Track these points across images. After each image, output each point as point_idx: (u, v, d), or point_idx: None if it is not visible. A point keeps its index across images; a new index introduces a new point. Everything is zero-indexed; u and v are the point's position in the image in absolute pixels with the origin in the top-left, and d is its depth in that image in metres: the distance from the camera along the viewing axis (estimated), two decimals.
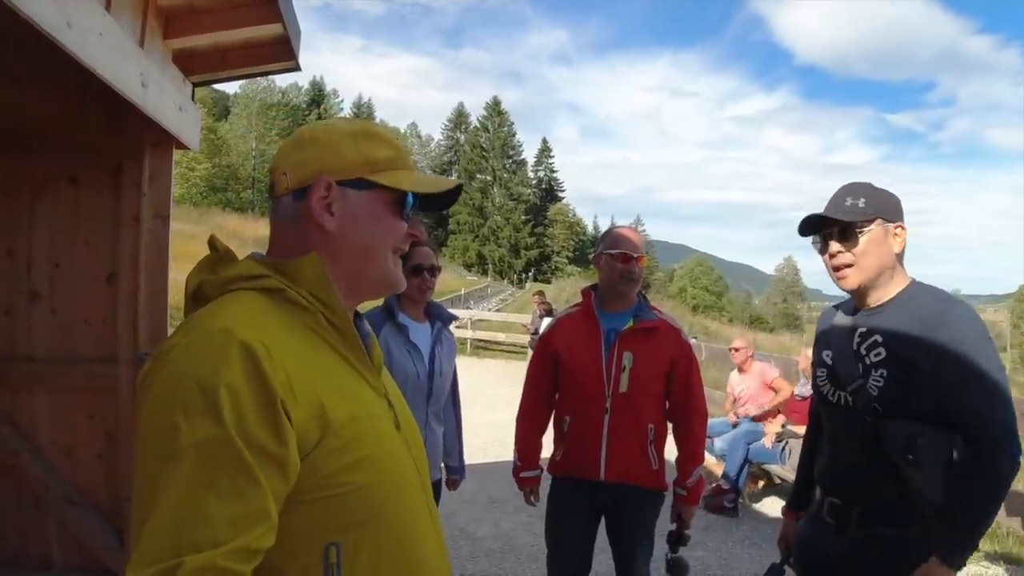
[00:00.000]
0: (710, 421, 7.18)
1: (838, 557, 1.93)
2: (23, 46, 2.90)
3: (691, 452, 2.85)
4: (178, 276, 3.29)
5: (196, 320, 0.97)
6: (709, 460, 6.65)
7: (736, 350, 6.74)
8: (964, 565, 1.74)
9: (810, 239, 1.97)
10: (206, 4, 3.14)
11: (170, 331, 3.30)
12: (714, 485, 6.10)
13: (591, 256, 3.05)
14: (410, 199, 1.12)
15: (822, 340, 2.10)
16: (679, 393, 2.82)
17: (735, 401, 6.81)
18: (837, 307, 2.12)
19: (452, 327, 3.19)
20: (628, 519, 2.80)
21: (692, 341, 10.66)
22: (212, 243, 1.10)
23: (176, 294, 3.20)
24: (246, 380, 0.89)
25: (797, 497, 2.34)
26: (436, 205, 1.19)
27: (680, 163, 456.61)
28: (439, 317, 3.11)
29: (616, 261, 2.76)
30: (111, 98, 2.64)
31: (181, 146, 3.45)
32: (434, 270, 3.02)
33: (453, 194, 1.18)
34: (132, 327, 3.24)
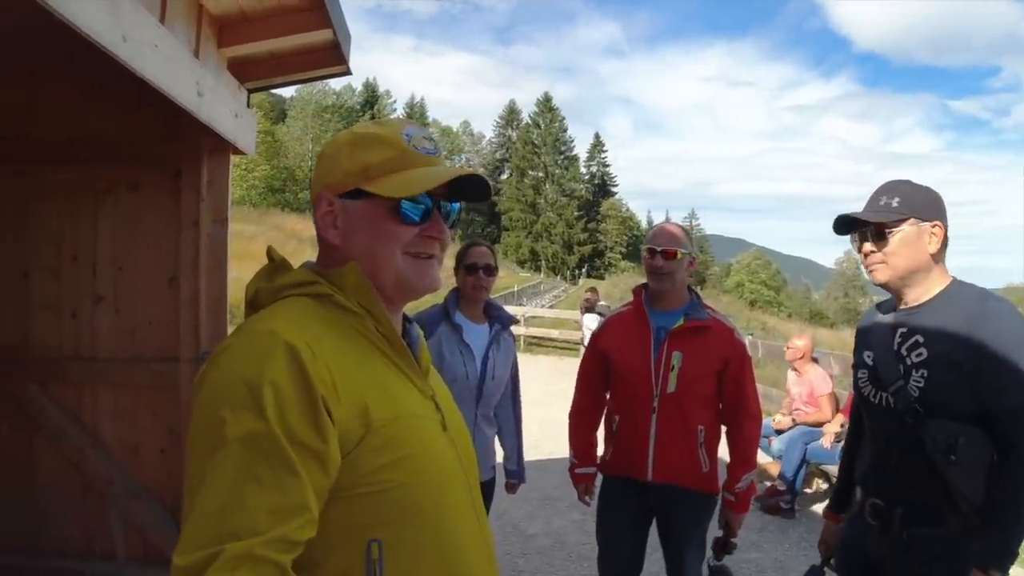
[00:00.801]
0: (766, 420, 7.11)
1: (880, 558, 1.93)
2: (83, 58, 3.03)
3: (742, 456, 2.78)
4: (239, 275, 3.38)
5: (247, 324, 1.03)
6: (765, 460, 6.52)
7: (788, 348, 6.57)
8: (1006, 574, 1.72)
9: (848, 237, 2.01)
10: (257, 13, 3.22)
11: (230, 329, 3.41)
12: (770, 485, 5.97)
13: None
14: (405, 204, 1.08)
15: (863, 340, 2.11)
16: (730, 394, 2.75)
17: (792, 401, 6.65)
18: (878, 306, 2.12)
19: None
20: (677, 521, 2.76)
21: (748, 338, 10.53)
22: (270, 254, 1.15)
23: (236, 293, 3.29)
24: (289, 378, 0.93)
25: (838, 498, 2.32)
26: (470, 196, 1.17)
27: (736, 155, 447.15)
28: (499, 319, 3.11)
29: (646, 256, 2.76)
30: (169, 107, 2.73)
31: (238, 151, 3.54)
32: (489, 269, 3.01)
33: (484, 185, 1.16)
34: (193, 327, 3.34)
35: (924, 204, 1.88)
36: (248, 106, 3.78)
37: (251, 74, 3.76)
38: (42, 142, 3.32)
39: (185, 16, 2.88)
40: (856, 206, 1.99)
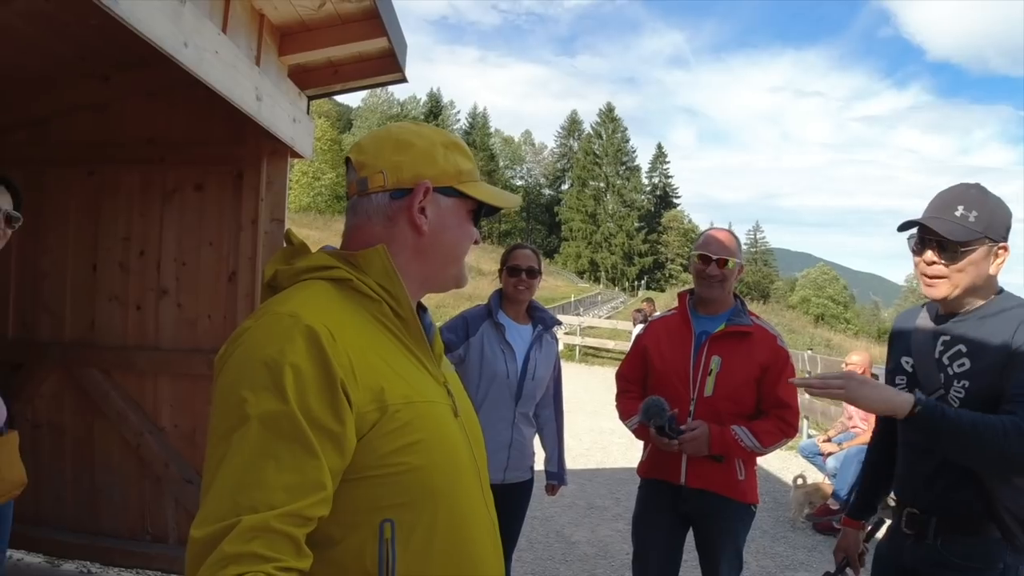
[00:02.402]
0: (816, 439, 6.94)
1: (916, 568, 1.88)
2: (154, 64, 3.22)
3: (769, 425, 2.63)
4: None
5: (267, 306, 1.06)
6: (820, 478, 6.37)
7: (847, 364, 6.39)
8: None
9: (906, 234, 1.89)
10: (316, 22, 3.34)
11: None
12: (823, 504, 5.82)
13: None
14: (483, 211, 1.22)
15: (900, 344, 2.03)
16: (769, 390, 2.66)
17: (851, 417, 6.49)
18: (917, 309, 2.07)
19: (561, 333, 3.23)
20: (711, 530, 2.73)
21: (808, 353, 10.25)
22: (288, 237, 1.19)
23: None
24: (309, 360, 0.95)
25: (858, 505, 2.26)
26: (486, 213, 1.27)
27: (804, 167, 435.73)
28: (542, 320, 3.16)
29: (697, 263, 2.74)
30: (232, 111, 2.87)
31: (296, 155, 3.68)
32: (532, 272, 3.08)
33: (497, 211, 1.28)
34: None
35: (999, 223, 1.78)
36: (308, 112, 3.92)
37: (311, 81, 3.90)
38: (114, 144, 3.54)
39: (247, 25, 3.03)
40: None
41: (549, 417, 3.31)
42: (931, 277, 1.82)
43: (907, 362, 1.97)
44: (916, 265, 1.87)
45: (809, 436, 8.60)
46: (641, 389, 2.87)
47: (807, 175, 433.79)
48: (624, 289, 69.61)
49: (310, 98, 4.05)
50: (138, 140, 3.50)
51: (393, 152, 1.16)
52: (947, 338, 1.86)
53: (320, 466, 0.93)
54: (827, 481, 6.17)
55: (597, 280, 72.82)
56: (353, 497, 0.99)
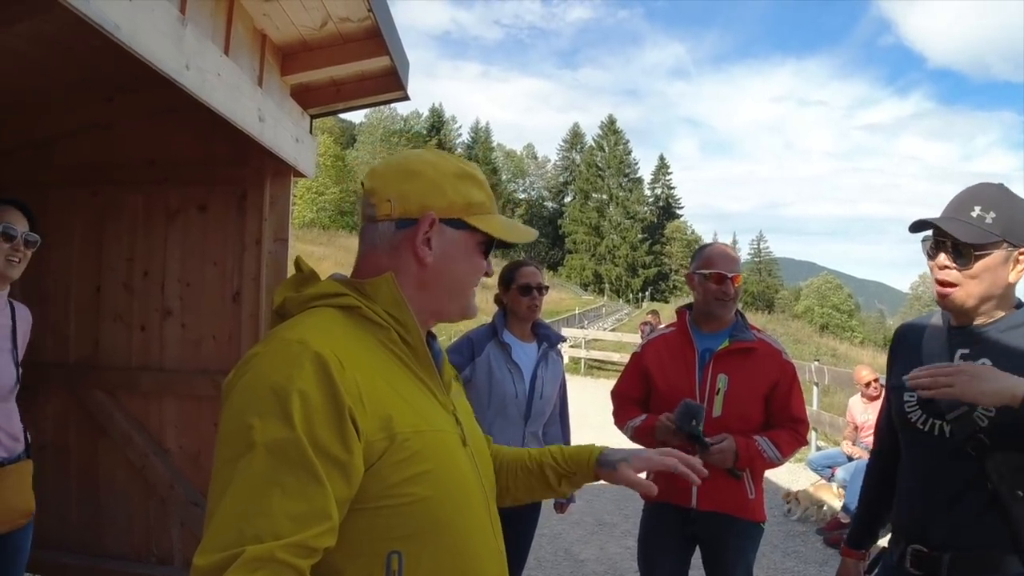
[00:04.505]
0: (831, 451, 6.91)
1: None
2: (157, 87, 3.22)
3: (785, 436, 2.61)
4: None
5: (276, 332, 1.05)
6: (829, 490, 6.32)
7: (868, 385, 6.36)
8: None
9: (920, 236, 1.74)
10: (318, 42, 3.36)
11: None
12: (833, 518, 5.77)
13: (686, 276, 2.94)
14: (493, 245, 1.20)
15: (907, 358, 1.83)
16: (782, 406, 2.64)
17: (857, 429, 6.44)
18: (923, 319, 1.92)
19: (566, 347, 3.20)
20: (722, 550, 2.68)
21: (815, 364, 10.19)
22: (298, 264, 1.18)
23: None
24: (317, 388, 0.95)
25: (858, 534, 2.07)
26: (499, 246, 1.25)
27: (807, 176, 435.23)
28: (546, 338, 3.13)
29: (710, 282, 2.65)
30: (236, 132, 2.87)
31: (299, 174, 3.68)
32: (541, 289, 3.07)
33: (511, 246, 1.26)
34: (254, 342, 3.45)
35: (1021, 225, 1.63)
36: (311, 131, 3.93)
37: (313, 100, 3.92)
38: (118, 165, 3.54)
39: (249, 46, 3.04)
40: None
41: (556, 435, 3.28)
42: (944, 284, 1.68)
43: None
44: (931, 270, 1.72)
45: (819, 448, 8.54)
46: (641, 409, 2.77)
47: (810, 184, 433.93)
48: (628, 301, 69.56)
49: (313, 116, 4.06)
50: (141, 161, 3.51)
51: (402, 181, 1.15)
52: (966, 351, 1.71)
53: (326, 495, 0.92)
54: (836, 492, 6.14)
55: (601, 292, 72.78)
56: (360, 528, 0.98)
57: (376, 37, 3.33)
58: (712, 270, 2.66)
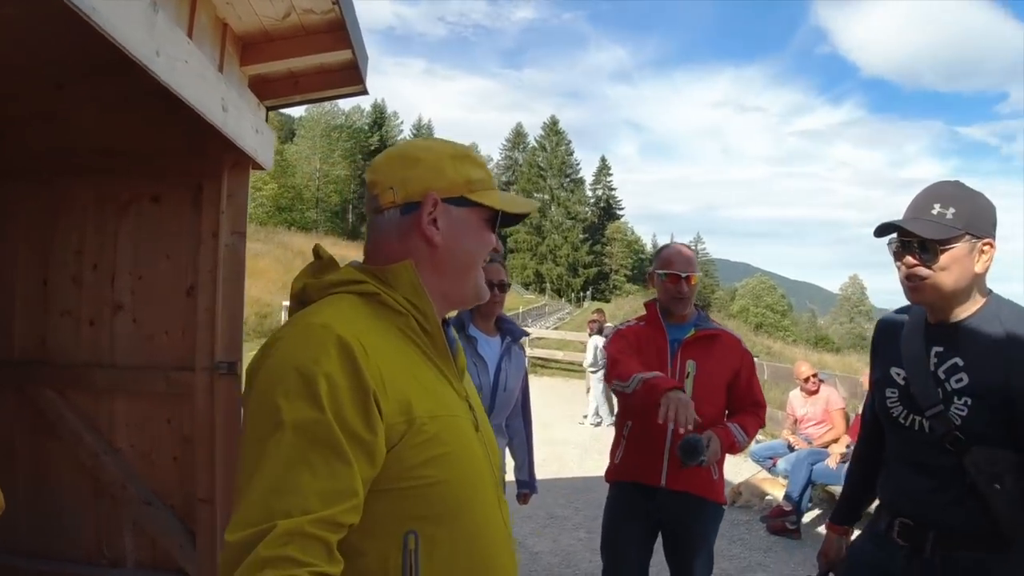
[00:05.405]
0: (772, 442, 7.16)
1: None
2: (112, 73, 3.12)
3: (748, 420, 2.80)
4: (247, 293, 3.44)
5: (299, 318, 1.08)
6: (771, 480, 6.56)
7: (806, 380, 6.62)
8: None
9: (886, 240, 1.80)
10: (280, 32, 3.31)
11: (255, 335, 3.45)
12: (776, 506, 5.99)
13: (647, 273, 3.09)
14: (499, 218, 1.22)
15: (887, 353, 1.93)
16: (742, 393, 2.85)
17: (797, 422, 6.70)
18: (900, 312, 1.97)
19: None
20: (687, 532, 2.79)
21: (755, 360, 10.52)
22: (317, 251, 1.20)
23: (247, 308, 3.40)
24: (343, 371, 0.97)
25: (843, 511, 2.22)
26: (506, 222, 1.28)
27: (744, 179, 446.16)
28: (510, 332, 3.18)
29: (667, 281, 2.82)
30: (193, 122, 2.81)
31: (257, 166, 3.62)
32: (504, 286, 3.11)
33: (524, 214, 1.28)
34: (210, 337, 3.39)
35: (981, 218, 1.70)
36: (266, 123, 3.87)
37: (270, 92, 3.85)
38: (67, 155, 3.40)
39: (211, 35, 2.98)
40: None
41: (519, 427, 3.33)
42: (912, 280, 1.74)
43: (898, 374, 1.87)
44: (899, 270, 1.79)
45: (758, 441, 8.83)
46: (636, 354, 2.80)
47: (747, 187, 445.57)
48: (570, 300, 70.14)
49: (269, 109, 3.99)
50: (93, 150, 3.38)
51: (401, 168, 1.18)
52: (940, 349, 1.77)
53: (353, 474, 0.95)
54: (778, 481, 6.37)
55: (543, 292, 73.20)
56: (379, 508, 1.01)
57: (340, 30, 3.31)
58: (668, 270, 2.82)
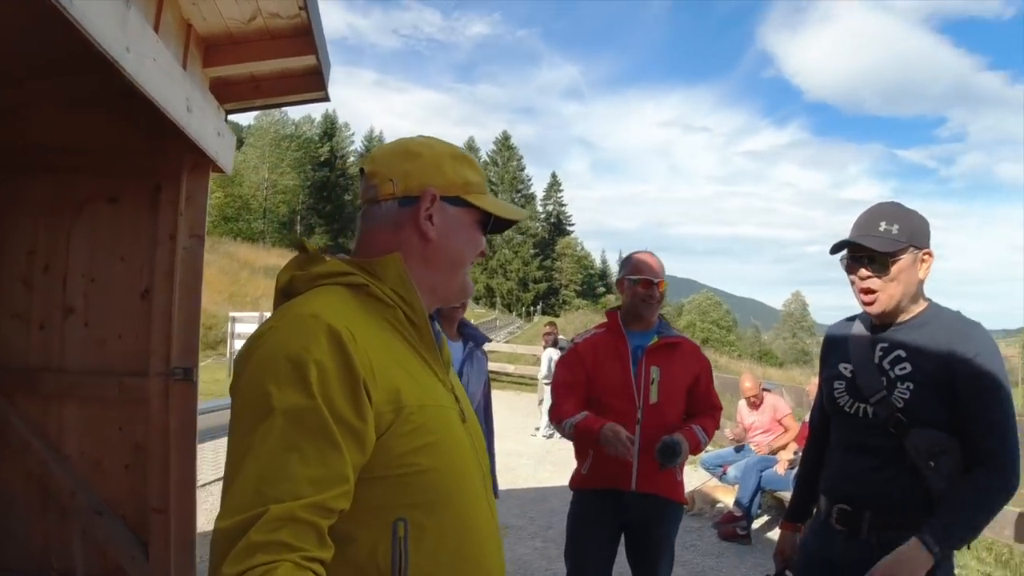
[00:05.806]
0: (720, 451, 7.32)
1: (847, 564, 1.91)
2: (72, 70, 3.06)
3: (708, 422, 2.92)
4: None
5: (288, 308, 1.08)
6: (723, 487, 6.71)
7: (755, 395, 6.81)
8: (940, 558, 1.76)
9: (838, 256, 2.00)
10: (244, 35, 3.30)
11: (201, 346, 3.38)
12: (726, 512, 6.12)
13: (616, 280, 3.17)
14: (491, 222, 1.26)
15: (837, 352, 2.12)
16: (701, 397, 2.96)
17: (746, 430, 6.89)
18: (850, 319, 2.15)
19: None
20: (652, 533, 2.86)
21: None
22: (303, 245, 1.20)
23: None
24: (333, 359, 0.98)
25: (795, 509, 2.35)
26: (495, 228, 1.31)
27: (691, 197, 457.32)
28: (472, 337, 3.19)
29: (638, 287, 2.89)
30: (155, 122, 2.77)
31: (217, 169, 3.58)
32: None
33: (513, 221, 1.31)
34: (165, 341, 3.32)
35: (920, 231, 1.92)
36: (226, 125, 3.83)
37: (231, 95, 3.81)
38: (22, 152, 3.32)
39: (175, 33, 2.95)
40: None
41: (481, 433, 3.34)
42: (867, 292, 1.93)
43: (846, 368, 2.05)
44: (852, 284, 1.98)
45: (707, 451, 9.01)
46: (581, 402, 2.87)
47: (694, 205, 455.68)
48: (520, 315, 70.32)
49: (228, 112, 3.96)
50: (49, 148, 3.30)
51: (402, 161, 1.21)
52: (885, 344, 1.96)
53: (343, 460, 0.96)
54: (727, 488, 6.53)
55: (493, 306, 73.22)
56: (368, 496, 1.01)
57: (305, 35, 3.31)
58: (640, 276, 2.90)
